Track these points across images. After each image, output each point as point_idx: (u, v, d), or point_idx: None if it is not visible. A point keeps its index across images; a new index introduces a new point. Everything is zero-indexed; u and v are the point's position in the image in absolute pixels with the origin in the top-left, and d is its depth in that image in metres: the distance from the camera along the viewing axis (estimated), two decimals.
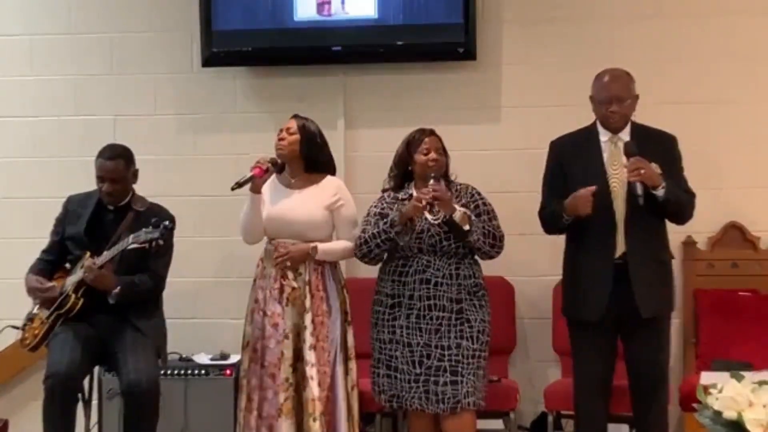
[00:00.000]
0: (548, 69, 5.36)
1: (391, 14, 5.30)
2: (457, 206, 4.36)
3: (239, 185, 4.45)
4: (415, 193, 4.45)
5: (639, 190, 4.22)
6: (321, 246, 4.50)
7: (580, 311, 4.38)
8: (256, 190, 4.49)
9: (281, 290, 4.47)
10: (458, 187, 4.53)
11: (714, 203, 5.11)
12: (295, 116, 4.64)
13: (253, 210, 4.51)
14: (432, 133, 4.53)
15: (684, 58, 5.31)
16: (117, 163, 4.51)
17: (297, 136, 4.55)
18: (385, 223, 4.39)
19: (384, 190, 4.60)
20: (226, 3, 5.37)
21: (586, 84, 4.50)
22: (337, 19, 5.35)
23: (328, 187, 4.59)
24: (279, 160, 4.54)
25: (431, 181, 4.33)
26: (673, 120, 4.81)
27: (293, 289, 4.47)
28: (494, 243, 4.44)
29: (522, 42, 5.41)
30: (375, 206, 4.55)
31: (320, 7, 5.36)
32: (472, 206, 4.45)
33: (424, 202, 4.28)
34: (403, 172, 4.55)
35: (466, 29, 5.26)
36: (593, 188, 4.24)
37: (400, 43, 5.33)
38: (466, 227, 4.33)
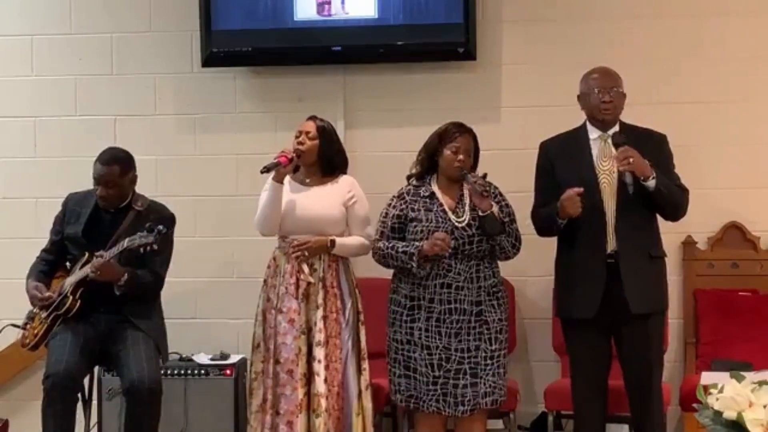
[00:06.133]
0: (548, 69, 5.35)
1: (391, 14, 5.30)
2: (493, 203, 4.36)
3: (267, 170, 4.45)
4: (436, 190, 4.44)
5: (629, 179, 4.21)
6: (339, 240, 4.52)
7: (574, 309, 4.38)
8: (279, 179, 4.48)
9: (297, 285, 4.48)
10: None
11: (714, 203, 5.10)
12: (313, 118, 4.63)
13: (273, 200, 4.49)
14: (468, 132, 4.48)
15: (684, 57, 5.30)
16: (112, 169, 4.47)
17: (317, 142, 4.55)
18: (405, 253, 4.35)
19: (409, 177, 4.56)
20: (226, 3, 5.36)
21: None
22: (337, 19, 5.35)
23: (344, 184, 4.61)
24: (297, 157, 4.52)
25: (469, 177, 4.33)
26: (673, 119, 4.82)
27: (309, 284, 4.48)
28: (515, 243, 4.46)
29: (522, 42, 5.41)
30: (393, 206, 4.51)
31: (320, 7, 5.35)
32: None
33: (441, 252, 4.28)
34: (429, 160, 4.50)
35: (466, 29, 5.26)
36: (579, 189, 4.23)
37: (400, 43, 5.32)
38: (503, 221, 4.35)
